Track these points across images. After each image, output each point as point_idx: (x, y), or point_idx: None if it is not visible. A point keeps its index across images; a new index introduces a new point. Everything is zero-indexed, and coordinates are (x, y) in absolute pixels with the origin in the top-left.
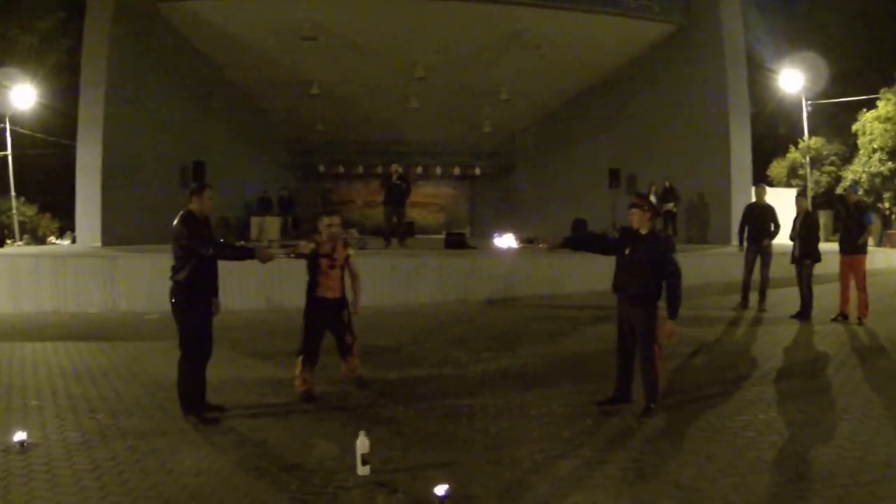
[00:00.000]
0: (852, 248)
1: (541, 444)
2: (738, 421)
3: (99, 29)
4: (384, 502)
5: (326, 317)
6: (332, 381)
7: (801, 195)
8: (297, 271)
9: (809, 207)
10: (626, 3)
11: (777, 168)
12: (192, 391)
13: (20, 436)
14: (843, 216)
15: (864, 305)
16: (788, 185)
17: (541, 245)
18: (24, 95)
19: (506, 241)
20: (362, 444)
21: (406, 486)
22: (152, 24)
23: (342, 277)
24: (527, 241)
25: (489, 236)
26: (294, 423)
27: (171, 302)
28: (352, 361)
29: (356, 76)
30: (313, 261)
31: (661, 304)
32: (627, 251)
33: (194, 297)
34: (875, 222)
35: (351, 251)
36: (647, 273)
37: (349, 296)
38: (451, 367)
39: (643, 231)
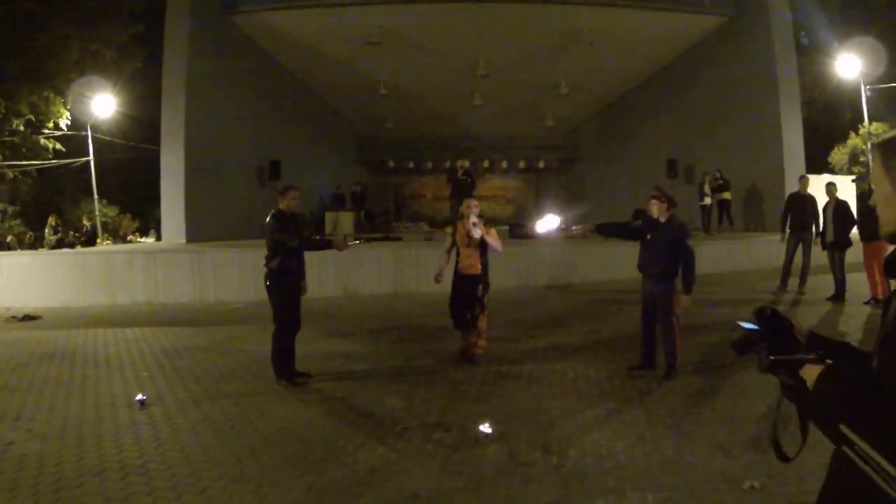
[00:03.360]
0: (871, 235)
1: (573, 398)
2: (744, 383)
3: (178, 42)
4: (440, 437)
5: (465, 288)
6: (415, 353)
7: (830, 184)
8: (371, 262)
9: (839, 195)
10: None
11: (838, 155)
12: (283, 360)
13: (139, 397)
14: (860, 205)
15: (886, 289)
16: (850, 172)
17: (574, 231)
18: (105, 104)
19: (546, 224)
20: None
21: (458, 426)
22: (228, 35)
23: (484, 258)
24: (563, 228)
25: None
26: (370, 384)
27: (266, 285)
28: (474, 339)
29: (422, 76)
30: (454, 242)
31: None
32: (649, 236)
33: (284, 280)
34: None
35: (486, 231)
36: (666, 255)
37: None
38: (506, 342)
39: (662, 219)
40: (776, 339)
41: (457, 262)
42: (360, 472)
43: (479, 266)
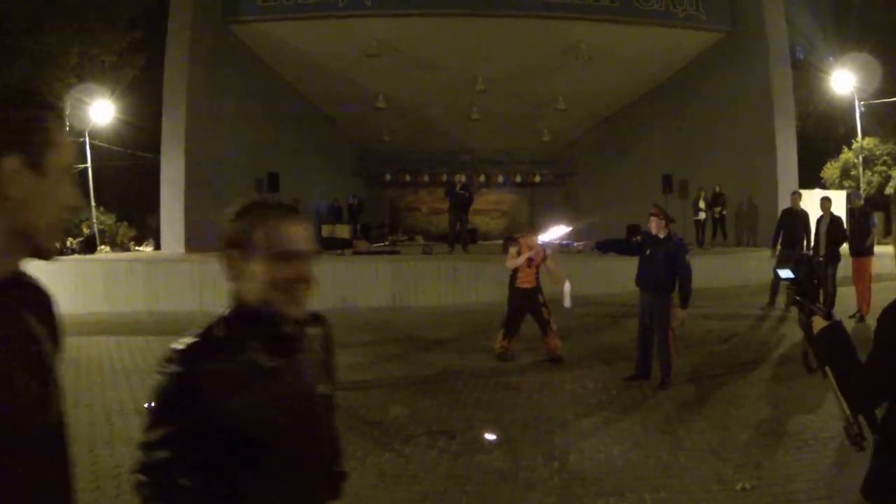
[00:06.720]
0: (859, 251)
1: (572, 408)
2: (735, 394)
3: (178, 52)
4: (444, 444)
5: (523, 301)
6: (416, 364)
7: (825, 199)
8: (370, 275)
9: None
10: (675, 14)
11: (830, 169)
12: None
13: (149, 404)
14: (849, 221)
15: (866, 303)
16: (841, 187)
17: (576, 247)
18: (102, 110)
19: (551, 234)
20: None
21: (463, 434)
22: (227, 46)
23: (537, 273)
24: (563, 244)
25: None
26: (373, 393)
27: None
28: (550, 341)
29: (420, 89)
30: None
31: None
32: (647, 252)
33: None
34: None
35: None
36: (664, 270)
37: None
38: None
39: (660, 235)
40: (805, 283)
41: (514, 278)
42: (369, 477)
43: (535, 281)
